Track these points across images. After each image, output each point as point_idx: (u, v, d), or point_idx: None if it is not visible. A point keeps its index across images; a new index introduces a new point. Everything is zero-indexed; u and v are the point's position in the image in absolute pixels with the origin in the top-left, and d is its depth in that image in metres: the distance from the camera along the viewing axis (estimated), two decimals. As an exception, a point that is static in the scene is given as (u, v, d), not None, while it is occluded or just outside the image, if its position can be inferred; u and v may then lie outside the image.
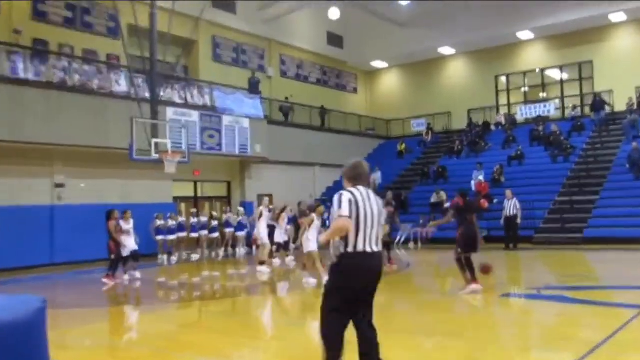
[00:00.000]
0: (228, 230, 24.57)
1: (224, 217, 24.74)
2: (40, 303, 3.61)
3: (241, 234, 24.67)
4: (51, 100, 19.63)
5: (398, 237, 25.34)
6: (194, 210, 24.59)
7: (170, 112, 22.98)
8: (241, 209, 25.05)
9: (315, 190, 31.56)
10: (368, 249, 5.40)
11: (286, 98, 32.77)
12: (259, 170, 28.61)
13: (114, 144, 21.08)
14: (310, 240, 13.40)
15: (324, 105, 34.20)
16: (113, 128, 20.97)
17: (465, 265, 11.15)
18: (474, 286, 11.10)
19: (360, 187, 5.66)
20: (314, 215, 14.22)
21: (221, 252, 24.25)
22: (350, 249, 5.36)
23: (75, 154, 21.40)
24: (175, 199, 25.29)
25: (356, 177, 5.72)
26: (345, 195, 5.53)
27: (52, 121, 19.63)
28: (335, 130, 33.71)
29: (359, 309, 5.38)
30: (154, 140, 19.82)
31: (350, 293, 5.28)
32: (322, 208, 15.22)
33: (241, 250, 24.61)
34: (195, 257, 23.12)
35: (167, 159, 19.87)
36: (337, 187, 31.06)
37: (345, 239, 5.32)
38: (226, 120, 25.14)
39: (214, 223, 24.52)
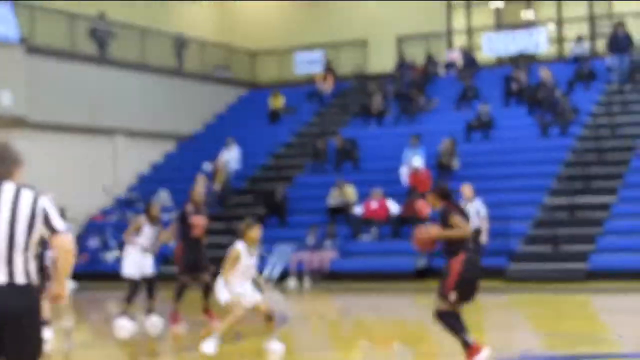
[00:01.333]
0: None
1: None
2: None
3: None
4: None
5: (269, 268, 26.13)
6: None
7: None
8: None
9: (117, 178, 32.44)
10: None
11: (101, 15, 33.29)
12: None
13: None
14: None
15: (134, 22, 34.62)
16: None
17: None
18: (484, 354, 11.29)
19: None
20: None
21: None
22: None
23: None
24: None
25: None
26: None
27: None
28: (157, 69, 34.64)
29: None
30: None
31: None
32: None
33: None
34: None
35: None
36: (161, 173, 30.95)
37: None
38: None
39: None
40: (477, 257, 12.03)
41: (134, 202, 30.60)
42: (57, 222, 6.26)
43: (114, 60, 32.63)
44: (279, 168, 31.46)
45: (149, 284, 16.00)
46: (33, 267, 6.18)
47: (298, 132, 33.90)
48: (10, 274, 6.08)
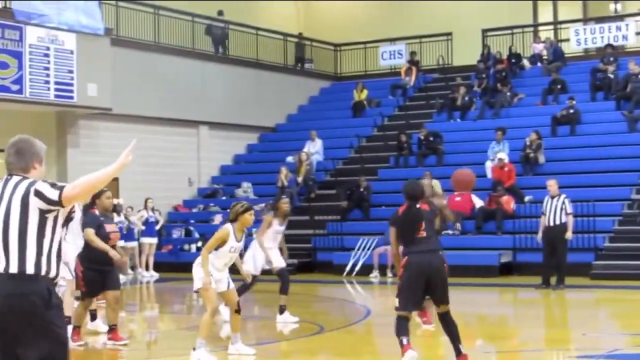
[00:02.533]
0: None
1: None
2: None
3: None
4: None
5: (351, 262, 25.98)
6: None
7: None
8: None
9: (201, 171, 32.60)
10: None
11: (219, 12, 34.05)
12: (93, 132, 29.29)
13: None
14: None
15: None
16: None
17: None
18: None
19: (3, 179, 6.34)
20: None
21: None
22: None
23: None
24: None
25: (6, 163, 6.36)
26: None
27: None
28: (241, 60, 34.82)
29: None
30: None
31: None
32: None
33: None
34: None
35: None
36: (244, 166, 30.79)
37: None
38: (32, 35, 25.72)
39: None
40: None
41: (216, 194, 30.82)
42: (52, 193, 6.10)
43: (198, 52, 32.86)
44: (363, 161, 31.09)
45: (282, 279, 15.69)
46: (43, 256, 6.09)
47: (382, 125, 33.62)
48: (24, 263, 6.06)
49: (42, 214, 6.11)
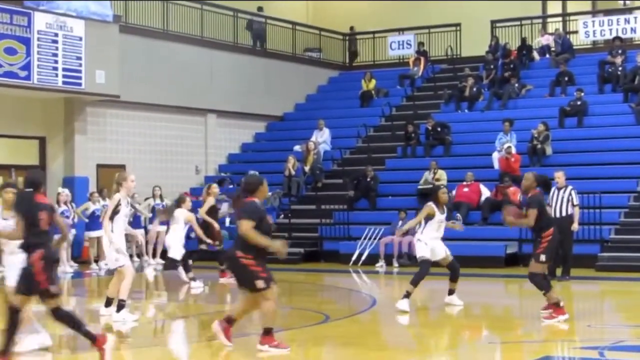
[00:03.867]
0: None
1: None
2: None
3: (58, 237, 23.62)
4: None
5: (357, 251, 25.95)
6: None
7: None
8: (64, 191, 25.17)
9: (208, 159, 32.72)
10: None
11: (259, 8, 34.76)
12: (101, 119, 29.33)
13: None
14: None
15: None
16: None
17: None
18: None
19: None
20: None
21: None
22: None
23: None
24: None
25: None
26: None
27: None
28: (249, 49, 35.11)
29: None
30: None
31: None
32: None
33: (65, 267, 24.38)
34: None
35: None
36: (251, 154, 33.45)
37: None
38: (41, 21, 25.78)
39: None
40: None
41: (223, 182, 30.78)
42: None
43: (206, 40, 32.85)
44: (370, 151, 31.03)
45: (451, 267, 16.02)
46: None
47: (389, 115, 33.58)
48: None
49: None
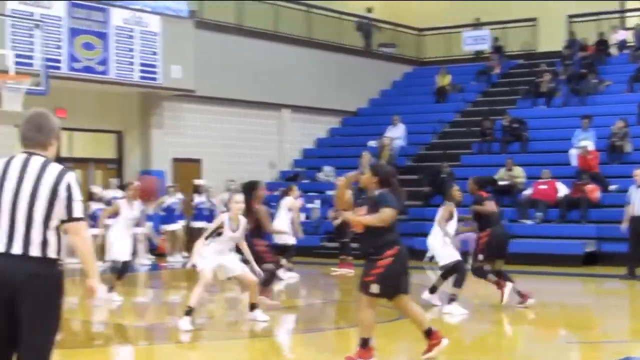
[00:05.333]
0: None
1: (108, 196, 24.79)
2: None
3: (139, 230, 24.37)
4: None
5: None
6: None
7: None
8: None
9: (283, 154, 33.01)
10: (0, 247, 6.17)
11: (368, 10, 35.08)
12: (177, 114, 29.67)
13: None
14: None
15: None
16: None
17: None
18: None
19: (19, 156, 6.34)
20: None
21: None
22: None
23: None
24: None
25: (23, 138, 6.39)
26: None
27: None
28: (325, 44, 34.96)
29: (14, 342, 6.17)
30: None
31: None
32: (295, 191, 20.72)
33: (141, 259, 24.80)
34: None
35: (6, 86, 20.81)
36: (325, 149, 33.62)
37: None
38: (118, 16, 26.07)
39: (96, 207, 24.17)
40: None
41: (298, 177, 30.87)
42: (78, 207, 6.23)
43: (281, 35, 32.97)
44: (445, 147, 30.99)
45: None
46: (54, 242, 6.16)
47: (464, 110, 33.59)
48: (26, 247, 6.10)
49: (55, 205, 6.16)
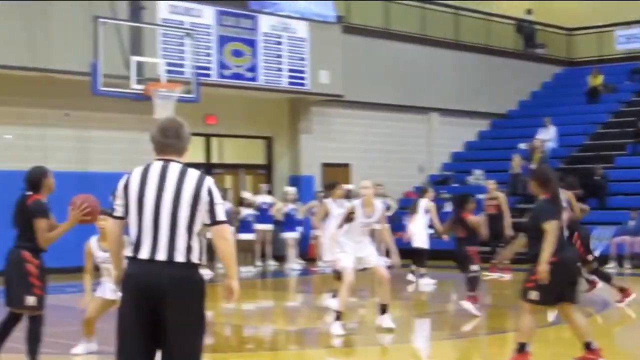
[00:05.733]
0: (262, 226, 25.35)
1: (258, 201, 25.37)
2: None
3: (291, 235, 25.41)
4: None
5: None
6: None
7: (163, 6, 24.17)
8: (291, 190, 25.86)
9: (432, 158, 32.65)
10: (144, 255, 6.25)
11: (528, 11, 35.33)
12: (325, 119, 29.77)
13: (61, 64, 22.08)
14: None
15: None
16: (58, 37, 22.03)
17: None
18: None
19: (156, 163, 6.43)
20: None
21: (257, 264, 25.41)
22: (130, 253, 6.36)
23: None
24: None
25: (160, 145, 6.49)
26: (122, 181, 6.48)
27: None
28: (473, 46, 34.85)
29: (157, 342, 6.26)
30: (134, 59, 20.88)
31: (128, 316, 6.28)
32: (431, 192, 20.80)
33: (291, 264, 25.20)
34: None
35: (158, 94, 20.83)
36: (475, 152, 32.63)
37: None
38: (266, 23, 26.31)
39: (246, 212, 24.78)
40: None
41: (447, 181, 30.66)
42: (220, 210, 6.32)
43: (429, 38, 32.76)
44: (598, 148, 30.54)
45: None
46: (196, 247, 6.27)
47: (618, 111, 32.91)
48: (171, 253, 6.18)
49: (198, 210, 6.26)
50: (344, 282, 13.11)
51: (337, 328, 12.79)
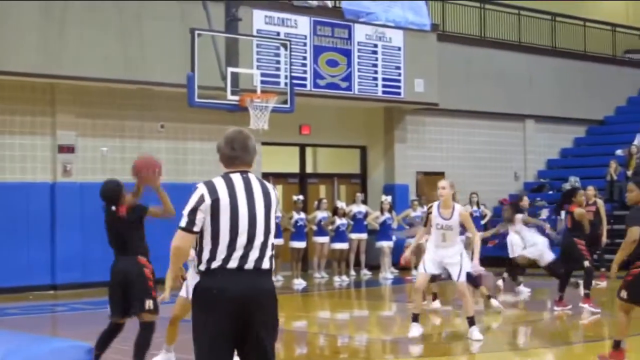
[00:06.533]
0: (357, 235, 25.19)
1: (353, 211, 25.25)
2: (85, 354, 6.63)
3: (386, 244, 25.19)
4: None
5: None
6: (299, 197, 24.75)
7: (259, 17, 24.10)
8: (387, 199, 25.40)
9: (527, 165, 32.30)
10: (233, 265, 6.30)
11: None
12: (420, 127, 29.58)
13: (157, 77, 22.29)
14: None
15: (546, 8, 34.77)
16: (153, 50, 22.23)
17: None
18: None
19: (235, 175, 6.47)
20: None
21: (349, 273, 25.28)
22: (211, 265, 6.35)
23: (88, 94, 22.60)
24: (265, 175, 25.18)
25: (231, 158, 6.52)
26: (197, 192, 6.39)
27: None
28: (569, 52, 34.36)
29: (245, 353, 6.40)
30: (230, 70, 21.01)
31: (214, 329, 6.28)
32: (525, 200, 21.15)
33: (386, 273, 25.26)
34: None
35: (253, 105, 20.89)
36: (571, 159, 32.99)
37: (199, 251, 6.42)
38: (361, 32, 26.20)
39: (340, 222, 24.68)
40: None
41: (543, 188, 30.27)
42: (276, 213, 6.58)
43: (524, 45, 32.45)
44: (698, 154, 29.54)
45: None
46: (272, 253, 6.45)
47: None
48: (259, 261, 6.31)
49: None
50: (414, 286, 13.44)
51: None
